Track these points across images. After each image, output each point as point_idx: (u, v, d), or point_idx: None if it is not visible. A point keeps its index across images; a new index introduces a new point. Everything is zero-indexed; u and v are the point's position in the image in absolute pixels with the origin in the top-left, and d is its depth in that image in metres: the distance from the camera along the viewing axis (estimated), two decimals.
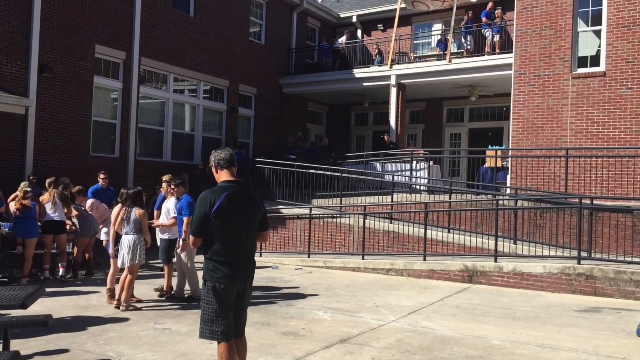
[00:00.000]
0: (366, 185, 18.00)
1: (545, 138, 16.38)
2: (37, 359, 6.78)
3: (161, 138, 19.95)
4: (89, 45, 17.19)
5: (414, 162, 18.59)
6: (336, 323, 8.87)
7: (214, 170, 5.39)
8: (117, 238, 10.13)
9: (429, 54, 25.12)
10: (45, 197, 12.48)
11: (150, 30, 19.03)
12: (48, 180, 12.89)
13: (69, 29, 16.64)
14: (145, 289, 11.28)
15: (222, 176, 5.31)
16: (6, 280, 11.98)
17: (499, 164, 17.70)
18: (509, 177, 16.96)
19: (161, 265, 11.59)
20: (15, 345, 6.52)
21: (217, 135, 22.15)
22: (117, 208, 10.18)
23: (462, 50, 22.30)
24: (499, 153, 17.99)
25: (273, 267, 15.10)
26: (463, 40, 22.20)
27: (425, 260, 13.91)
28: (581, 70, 16.16)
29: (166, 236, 10.95)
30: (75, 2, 16.76)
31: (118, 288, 9.77)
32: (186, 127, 21.11)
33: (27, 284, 11.29)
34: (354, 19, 27.57)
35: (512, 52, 17.70)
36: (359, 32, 27.75)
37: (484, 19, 21.07)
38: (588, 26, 16.32)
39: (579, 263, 11.96)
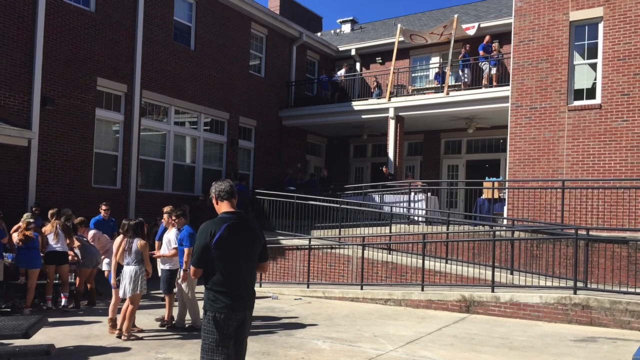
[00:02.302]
0: (364, 216, 18.12)
1: (542, 169, 16.55)
2: None
3: (162, 169, 20.12)
4: (91, 77, 17.43)
5: (412, 194, 18.74)
6: (335, 352, 8.96)
7: (214, 201, 5.45)
8: (119, 268, 10.25)
9: (427, 86, 25.37)
10: (47, 228, 12.62)
11: (151, 63, 19.28)
12: (50, 211, 13.03)
13: (71, 62, 16.89)
14: (147, 319, 11.37)
15: (222, 207, 5.37)
16: (9, 310, 12.07)
17: (496, 195, 17.83)
18: (505, 208, 17.08)
19: (162, 295, 11.71)
20: None
21: (217, 166, 22.33)
22: (118, 238, 10.32)
23: (460, 83, 22.53)
24: (496, 184, 18.11)
25: (272, 297, 15.19)
26: (460, 73, 22.43)
27: (423, 290, 14.02)
28: (577, 103, 16.36)
29: (167, 266, 11.07)
30: (77, 35, 17.02)
31: (119, 318, 9.87)
32: (187, 158, 21.29)
33: (29, 313, 11.41)
34: (353, 52, 27.89)
35: (508, 85, 17.93)
36: (358, 65, 28.05)
37: (481, 52, 21.33)
38: (584, 59, 16.55)
39: (575, 293, 12.06)
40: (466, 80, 21.94)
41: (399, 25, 23.57)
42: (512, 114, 17.23)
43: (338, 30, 33.86)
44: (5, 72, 15.26)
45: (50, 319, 10.01)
